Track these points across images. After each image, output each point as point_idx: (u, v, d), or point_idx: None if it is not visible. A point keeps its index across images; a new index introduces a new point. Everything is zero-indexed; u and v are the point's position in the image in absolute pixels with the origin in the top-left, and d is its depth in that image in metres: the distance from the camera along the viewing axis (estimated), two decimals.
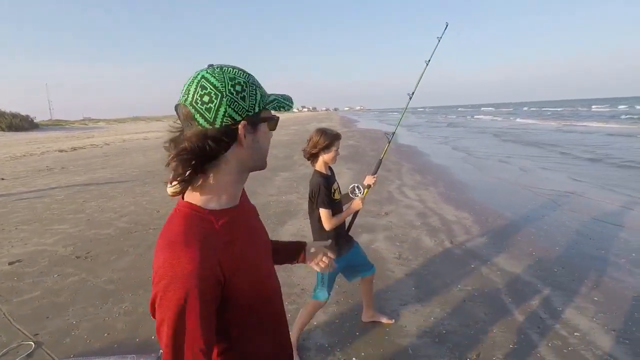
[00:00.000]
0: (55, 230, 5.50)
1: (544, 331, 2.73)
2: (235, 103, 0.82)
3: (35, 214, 6.49)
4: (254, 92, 0.85)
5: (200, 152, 0.81)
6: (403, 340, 2.68)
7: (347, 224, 2.56)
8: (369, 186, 2.50)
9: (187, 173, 0.82)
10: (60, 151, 18.35)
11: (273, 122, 0.92)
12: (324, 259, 1.33)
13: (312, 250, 1.33)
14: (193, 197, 0.87)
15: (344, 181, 7.65)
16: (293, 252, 1.31)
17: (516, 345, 2.58)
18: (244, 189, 1.01)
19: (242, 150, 0.87)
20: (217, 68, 0.84)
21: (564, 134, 19.70)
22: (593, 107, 64.17)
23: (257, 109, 0.86)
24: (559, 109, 62.90)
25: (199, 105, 0.80)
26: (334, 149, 2.37)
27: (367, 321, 2.88)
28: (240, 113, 0.83)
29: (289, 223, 5.38)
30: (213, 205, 0.87)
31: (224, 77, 0.82)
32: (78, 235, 5.18)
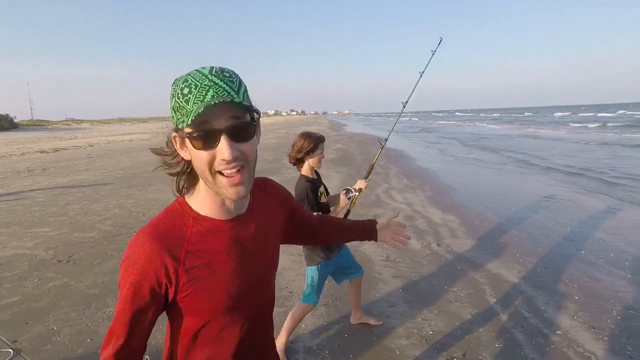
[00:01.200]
0: (36, 233, 5.36)
1: (527, 330, 2.79)
2: (173, 111, 0.77)
3: (15, 216, 6.31)
4: (185, 101, 0.73)
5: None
6: (391, 341, 2.70)
7: None
8: (360, 190, 2.52)
9: (175, 174, 0.86)
10: (42, 152, 17.92)
11: (195, 140, 0.75)
12: (399, 233, 1.32)
13: (383, 227, 1.30)
14: (190, 197, 0.88)
15: (333, 184, 7.68)
16: (367, 232, 1.28)
17: (501, 345, 2.63)
18: (262, 199, 0.98)
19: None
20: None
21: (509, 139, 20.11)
22: (556, 114, 67.73)
23: (180, 125, 0.75)
24: (521, 115, 68.74)
25: None
26: (318, 152, 2.37)
27: (355, 323, 2.89)
28: (174, 122, 0.78)
29: None
30: (200, 210, 0.86)
31: (177, 81, 0.77)
32: (60, 239, 5.06)
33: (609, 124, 30.71)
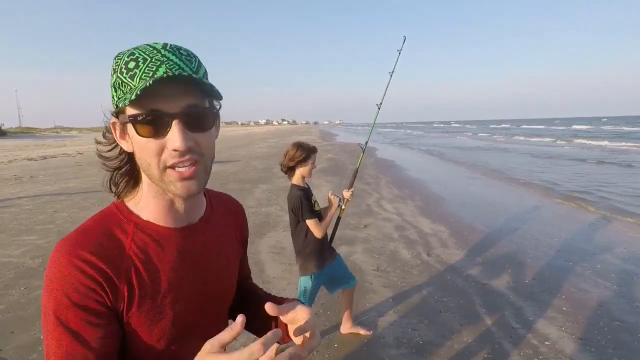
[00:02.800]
0: (23, 241, 5.26)
1: (516, 340, 2.82)
2: (113, 90, 0.64)
3: (1, 224, 6.19)
4: (130, 77, 0.60)
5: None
6: (381, 351, 2.70)
7: (329, 236, 2.59)
8: (346, 200, 2.55)
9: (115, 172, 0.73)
10: (30, 160, 17.64)
11: (140, 125, 0.61)
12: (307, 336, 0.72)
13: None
14: (130, 199, 0.73)
15: (324, 193, 7.69)
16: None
17: (490, 355, 2.65)
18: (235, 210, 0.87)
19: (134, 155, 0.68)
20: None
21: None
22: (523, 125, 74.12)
23: (121, 104, 0.61)
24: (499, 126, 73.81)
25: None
26: (310, 162, 2.40)
27: (345, 333, 2.89)
28: (114, 103, 0.65)
29: (268, 235, 5.36)
30: (143, 214, 0.71)
31: (121, 54, 0.63)
32: (47, 247, 4.97)
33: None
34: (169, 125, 0.61)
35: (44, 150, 24.65)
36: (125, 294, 0.65)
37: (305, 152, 2.37)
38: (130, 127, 0.63)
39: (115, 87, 0.63)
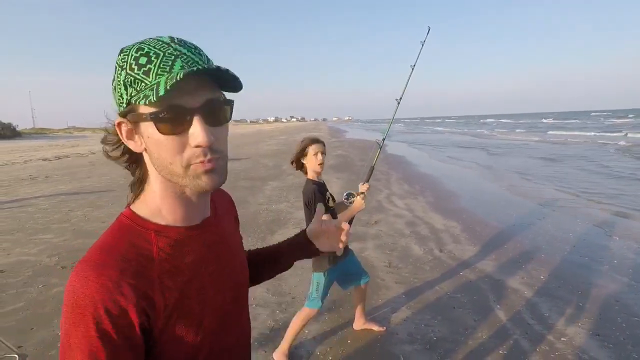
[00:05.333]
0: (40, 240, 5.37)
1: (532, 337, 2.78)
2: (123, 87, 0.61)
3: (18, 223, 6.33)
4: (144, 73, 0.58)
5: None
6: (394, 347, 2.70)
7: None
8: (362, 193, 2.54)
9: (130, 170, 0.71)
10: (44, 160, 17.97)
11: (162, 123, 0.59)
12: (340, 234, 0.91)
13: (316, 235, 0.93)
14: (139, 206, 0.69)
15: (333, 190, 7.67)
16: (299, 249, 0.95)
17: (505, 351, 2.62)
18: (226, 201, 0.87)
19: (147, 155, 0.66)
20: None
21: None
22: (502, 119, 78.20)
23: (138, 101, 0.58)
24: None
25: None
26: (310, 153, 2.36)
27: (358, 329, 2.89)
28: (124, 101, 0.62)
29: (279, 232, 5.38)
30: (158, 219, 0.68)
31: (128, 50, 0.61)
32: (63, 245, 5.07)
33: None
34: (190, 121, 0.59)
35: (58, 150, 25.10)
36: (162, 303, 0.63)
37: (303, 144, 2.38)
38: (145, 125, 0.60)
39: (125, 84, 0.60)
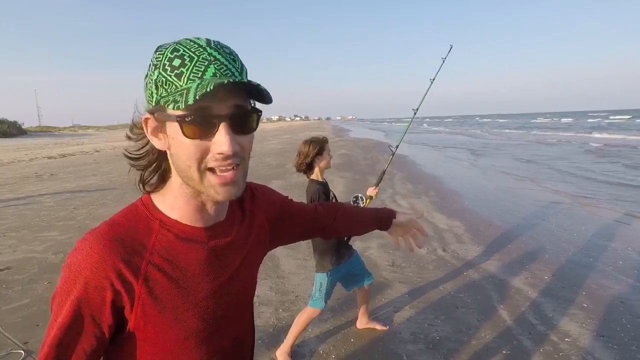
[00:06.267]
0: (45, 237, 5.42)
1: (535, 337, 2.77)
2: (154, 86, 0.61)
3: (24, 220, 6.39)
4: (177, 75, 0.59)
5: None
6: (397, 346, 2.70)
7: None
8: (370, 197, 2.55)
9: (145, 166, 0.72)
10: (49, 158, 18.11)
11: (188, 125, 0.59)
12: (414, 237, 1.14)
13: (400, 225, 1.12)
14: (157, 196, 0.72)
15: (337, 190, 7.69)
16: (382, 223, 1.10)
17: (509, 351, 2.62)
18: (242, 209, 0.82)
19: (169, 154, 0.66)
20: None
21: None
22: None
23: (167, 104, 0.59)
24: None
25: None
26: (325, 153, 2.40)
27: (361, 328, 2.89)
28: (153, 100, 0.63)
29: None
30: (169, 212, 0.69)
31: (164, 49, 0.62)
32: (68, 243, 5.11)
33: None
34: (216, 127, 0.59)
35: (63, 148, 25.27)
36: (142, 291, 0.64)
37: (318, 145, 2.37)
38: (171, 125, 0.61)
39: (157, 84, 0.60)
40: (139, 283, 0.63)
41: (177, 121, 0.59)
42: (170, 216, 0.69)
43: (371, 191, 2.55)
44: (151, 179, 0.72)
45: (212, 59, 0.59)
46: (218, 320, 0.73)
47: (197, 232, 0.70)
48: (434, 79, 2.85)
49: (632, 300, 3.28)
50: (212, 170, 0.62)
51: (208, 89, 0.53)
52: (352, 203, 2.48)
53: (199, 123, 0.58)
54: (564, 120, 65.17)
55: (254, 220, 0.85)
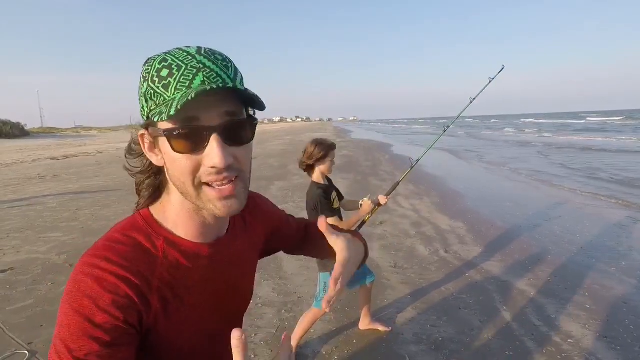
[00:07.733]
0: (49, 238, 5.44)
1: (538, 338, 2.77)
2: (144, 100, 0.59)
3: (28, 221, 6.42)
4: (164, 86, 0.56)
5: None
6: (400, 347, 2.70)
7: None
8: (379, 204, 2.56)
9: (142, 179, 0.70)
10: (52, 159, 18.17)
11: (176, 140, 0.56)
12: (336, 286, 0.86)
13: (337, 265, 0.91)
14: (157, 210, 0.69)
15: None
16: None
17: (511, 352, 2.62)
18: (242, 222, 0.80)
19: (166, 169, 0.64)
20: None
21: None
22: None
23: (154, 117, 0.56)
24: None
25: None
26: (329, 159, 2.41)
27: (364, 329, 2.89)
28: (144, 114, 0.60)
29: None
30: (179, 231, 0.68)
31: (152, 60, 0.59)
32: (72, 243, 5.13)
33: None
34: (206, 140, 0.56)
35: (66, 149, 25.36)
36: (156, 308, 0.63)
37: (324, 150, 2.38)
38: (162, 141, 0.58)
39: (146, 97, 0.58)
40: (152, 298, 0.62)
41: (165, 135, 0.56)
42: (173, 232, 0.67)
43: (382, 199, 2.56)
44: (147, 193, 0.69)
45: (201, 66, 0.55)
46: (212, 334, 0.74)
47: (202, 249, 0.69)
48: (474, 99, 2.81)
49: (635, 301, 3.27)
50: (208, 184, 0.59)
51: (189, 97, 0.51)
52: (360, 207, 2.50)
53: (187, 136, 0.55)
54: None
55: (253, 232, 0.84)
